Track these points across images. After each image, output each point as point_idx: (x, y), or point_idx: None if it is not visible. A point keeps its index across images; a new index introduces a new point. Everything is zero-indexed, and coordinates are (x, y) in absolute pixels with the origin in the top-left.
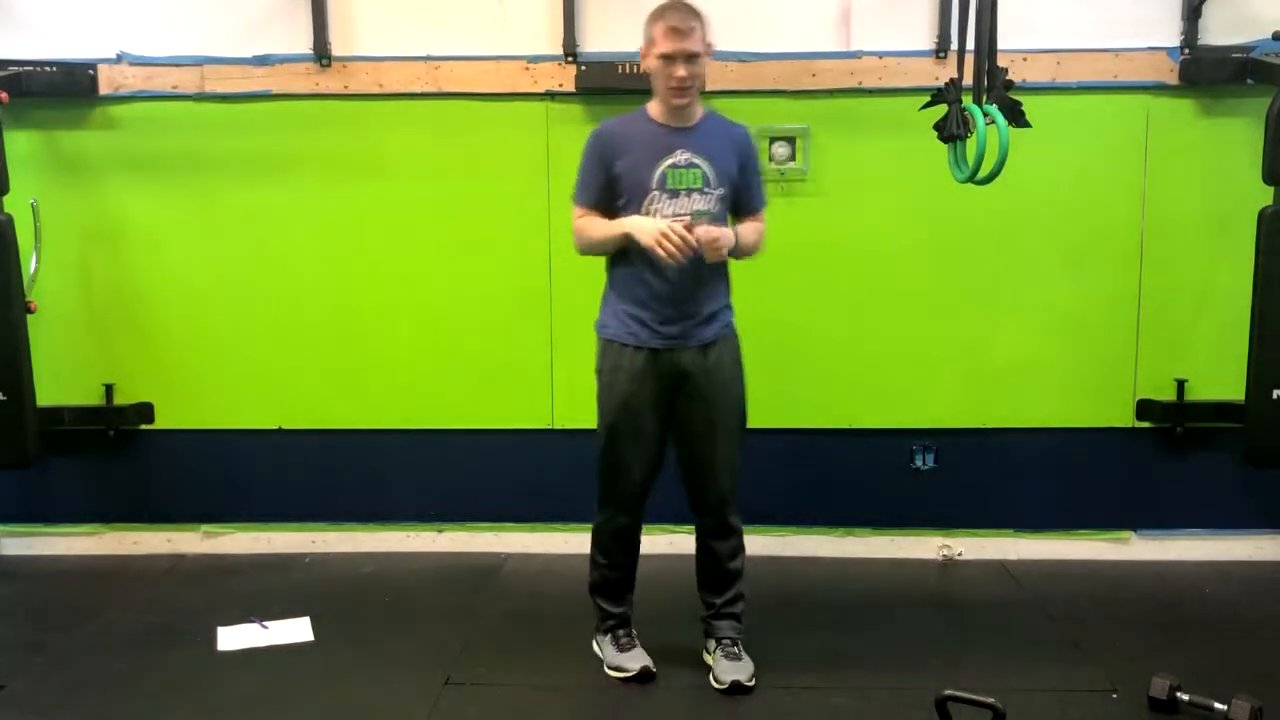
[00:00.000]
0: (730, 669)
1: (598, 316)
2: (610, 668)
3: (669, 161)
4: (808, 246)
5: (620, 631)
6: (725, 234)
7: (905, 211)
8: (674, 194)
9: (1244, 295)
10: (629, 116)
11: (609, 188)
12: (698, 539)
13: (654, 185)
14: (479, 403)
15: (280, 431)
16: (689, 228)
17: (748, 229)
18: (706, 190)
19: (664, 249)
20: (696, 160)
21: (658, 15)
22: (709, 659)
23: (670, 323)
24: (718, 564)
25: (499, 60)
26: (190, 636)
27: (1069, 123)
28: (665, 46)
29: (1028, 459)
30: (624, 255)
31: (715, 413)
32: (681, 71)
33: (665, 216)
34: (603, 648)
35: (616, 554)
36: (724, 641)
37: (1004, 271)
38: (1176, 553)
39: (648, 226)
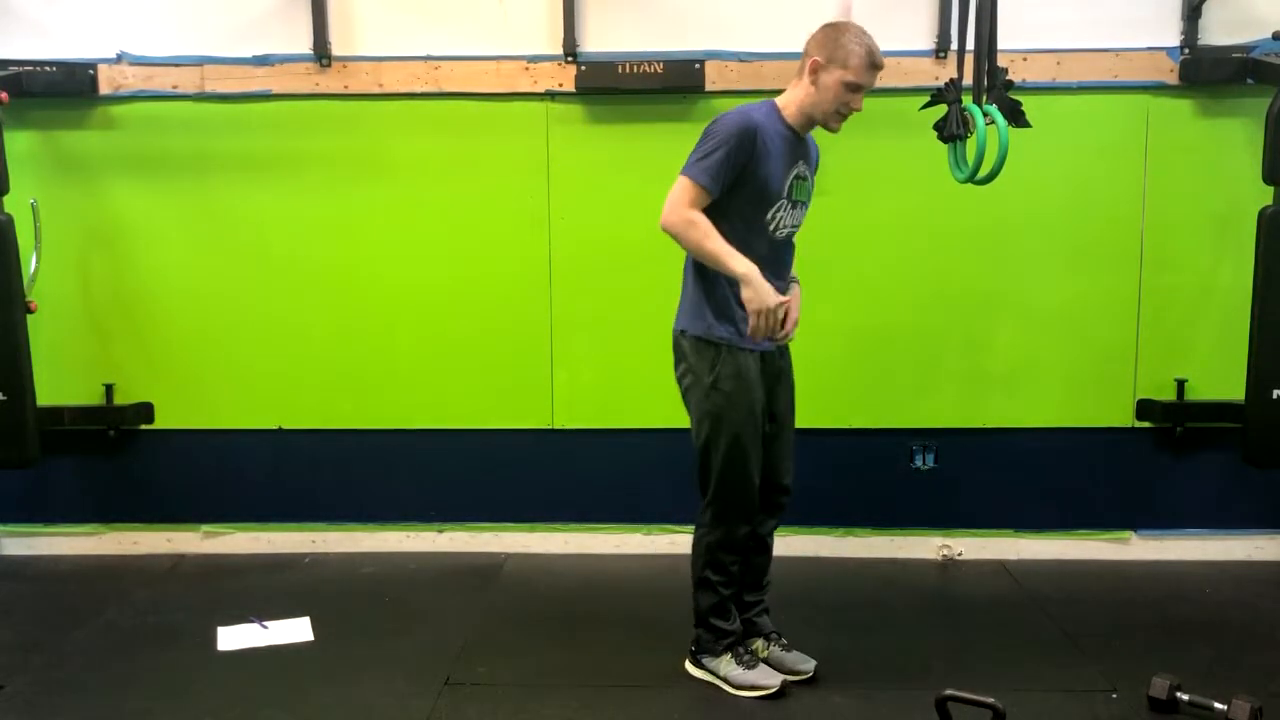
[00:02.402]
0: (803, 657)
1: (688, 320)
2: (740, 687)
3: (794, 172)
4: (807, 246)
5: (740, 649)
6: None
7: (905, 211)
8: (793, 205)
9: (1244, 295)
10: (767, 111)
11: (734, 182)
12: (758, 539)
13: (785, 194)
14: (479, 403)
15: (280, 431)
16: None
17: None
18: (807, 204)
19: (763, 326)
20: (807, 173)
21: (859, 40)
22: (762, 655)
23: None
24: (768, 557)
25: (499, 60)
26: (190, 636)
27: (1069, 123)
28: (862, 78)
29: (1028, 459)
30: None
31: (793, 406)
32: (860, 105)
33: (785, 228)
34: (719, 668)
35: (735, 566)
36: (774, 635)
37: (1004, 271)
38: (1176, 553)
39: (767, 297)
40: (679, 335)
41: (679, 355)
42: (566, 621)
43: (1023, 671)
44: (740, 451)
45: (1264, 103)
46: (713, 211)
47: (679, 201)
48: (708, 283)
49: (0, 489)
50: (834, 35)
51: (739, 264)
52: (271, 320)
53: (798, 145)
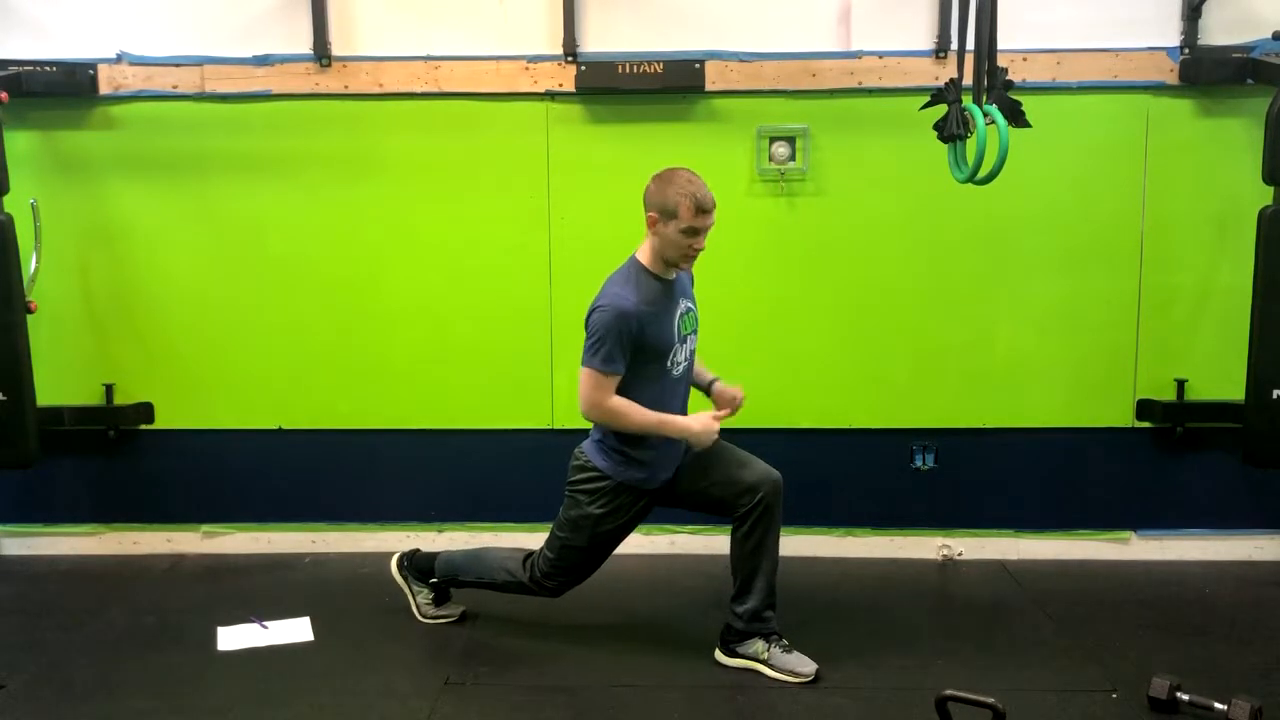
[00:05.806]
0: (804, 659)
1: (597, 456)
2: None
3: (679, 312)
4: (807, 246)
5: (776, 635)
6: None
7: (905, 211)
8: (683, 340)
9: (1244, 295)
10: (635, 280)
11: (633, 353)
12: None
13: (676, 339)
14: (479, 403)
15: (280, 431)
16: (733, 402)
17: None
18: (696, 331)
19: (709, 439)
20: (690, 305)
21: (684, 190)
22: (764, 656)
23: (674, 462)
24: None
25: (499, 60)
26: (190, 636)
27: (1069, 123)
28: (695, 222)
29: (1028, 459)
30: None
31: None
32: (702, 244)
33: (681, 363)
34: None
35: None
36: (775, 636)
37: (1004, 271)
38: (1176, 553)
39: (699, 429)
40: (584, 460)
41: (578, 467)
42: (566, 621)
43: (1023, 671)
44: (590, 556)
45: (1264, 103)
46: (624, 378)
47: (593, 396)
48: (613, 433)
49: (0, 489)
50: (662, 188)
51: (672, 428)
52: (271, 320)
53: (673, 287)
